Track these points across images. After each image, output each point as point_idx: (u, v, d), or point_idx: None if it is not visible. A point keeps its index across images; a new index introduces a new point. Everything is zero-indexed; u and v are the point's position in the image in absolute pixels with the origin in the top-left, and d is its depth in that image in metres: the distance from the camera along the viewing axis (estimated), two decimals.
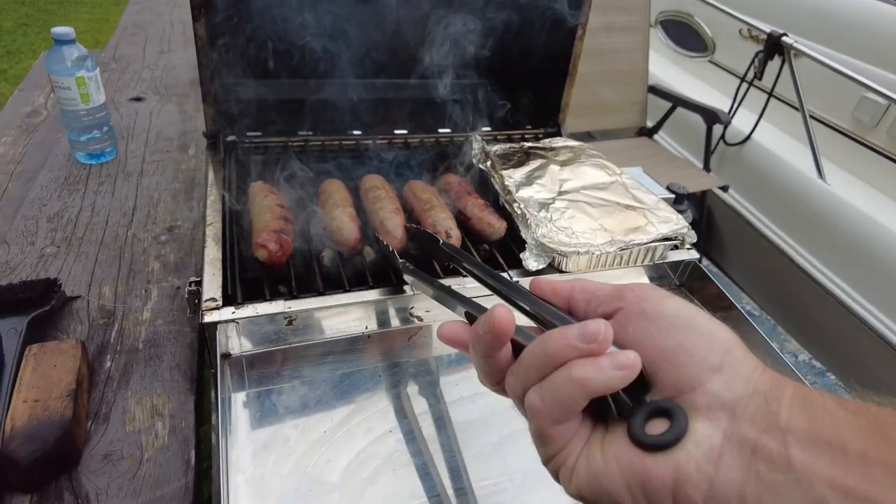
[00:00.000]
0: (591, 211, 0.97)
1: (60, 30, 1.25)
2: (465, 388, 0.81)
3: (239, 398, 0.77)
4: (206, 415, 0.96)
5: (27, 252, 1.12)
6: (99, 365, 0.93)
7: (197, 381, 0.94)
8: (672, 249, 1.01)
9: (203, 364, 0.99)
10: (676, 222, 0.98)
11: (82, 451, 0.80)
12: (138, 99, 1.72)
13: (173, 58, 2.03)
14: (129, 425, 0.85)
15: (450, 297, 0.51)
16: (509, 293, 0.47)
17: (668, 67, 3.35)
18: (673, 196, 1.19)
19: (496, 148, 1.12)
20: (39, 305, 0.94)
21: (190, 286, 0.82)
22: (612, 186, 1.05)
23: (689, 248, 1.02)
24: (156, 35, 2.21)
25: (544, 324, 0.42)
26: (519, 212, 0.95)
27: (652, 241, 0.94)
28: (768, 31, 2.54)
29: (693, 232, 0.98)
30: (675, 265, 1.02)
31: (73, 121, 1.33)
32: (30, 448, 0.73)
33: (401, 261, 0.76)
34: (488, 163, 1.08)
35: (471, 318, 0.45)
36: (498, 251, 0.97)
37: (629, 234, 0.94)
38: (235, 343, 0.80)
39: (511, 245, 0.97)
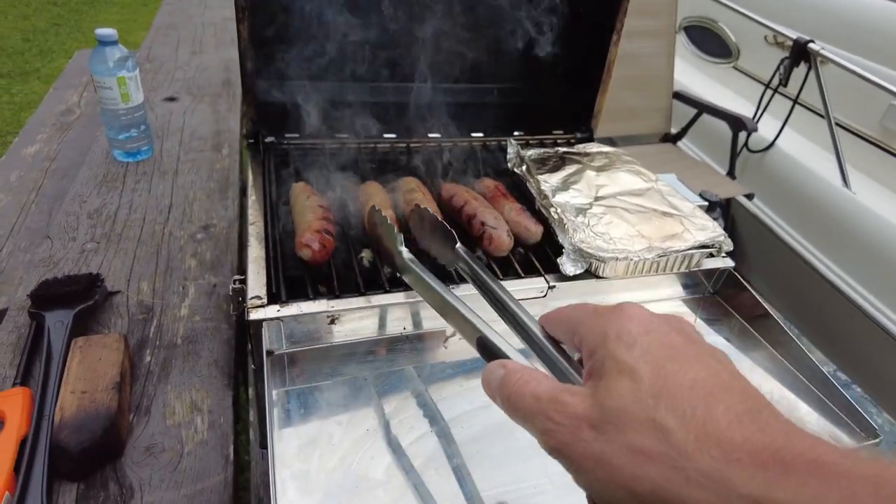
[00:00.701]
0: (629, 217, 0.97)
1: (104, 31, 1.28)
2: None
3: (281, 395, 0.78)
4: (241, 411, 0.97)
5: (69, 247, 1.14)
6: (139, 359, 0.95)
7: (235, 377, 0.96)
8: (707, 258, 1.00)
9: (239, 361, 1.00)
10: (713, 230, 0.98)
11: (126, 443, 0.81)
12: (172, 99, 1.76)
13: (205, 59, 2.06)
14: (169, 419, 0.87)
15: (461, 318, 0.48)
16: (516, 327, 0.45)
17: (692, 73, 3.32)
18: (706, 203, 1.19)
19: (531, 153, 1.13)
20: (84, 299, 0.96)
21: (234, 284, 0.84)
22: (648, 193, 1.05)
23: (724, 257, 1.02)
24: (188, 36, 2.25)
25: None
26: (556, 216, 0.96)
27: (689, 249, 0.94)
28: (794, 37, 2.51)
29: (730, 240, 0.98)
30: (710, 273, 1.02)
31: (113, 119, 1.36)
32: (79, 438, 0.75)
33: (407, 256, 0.68)
34: (524, 167, 1.08)
35: (484, 349, 0.43)
36: (534, 256, 0.98)
37: (667, 241, 0.94)
38: (277, 340, 0.81)
39: (547, 249, 0.98)
